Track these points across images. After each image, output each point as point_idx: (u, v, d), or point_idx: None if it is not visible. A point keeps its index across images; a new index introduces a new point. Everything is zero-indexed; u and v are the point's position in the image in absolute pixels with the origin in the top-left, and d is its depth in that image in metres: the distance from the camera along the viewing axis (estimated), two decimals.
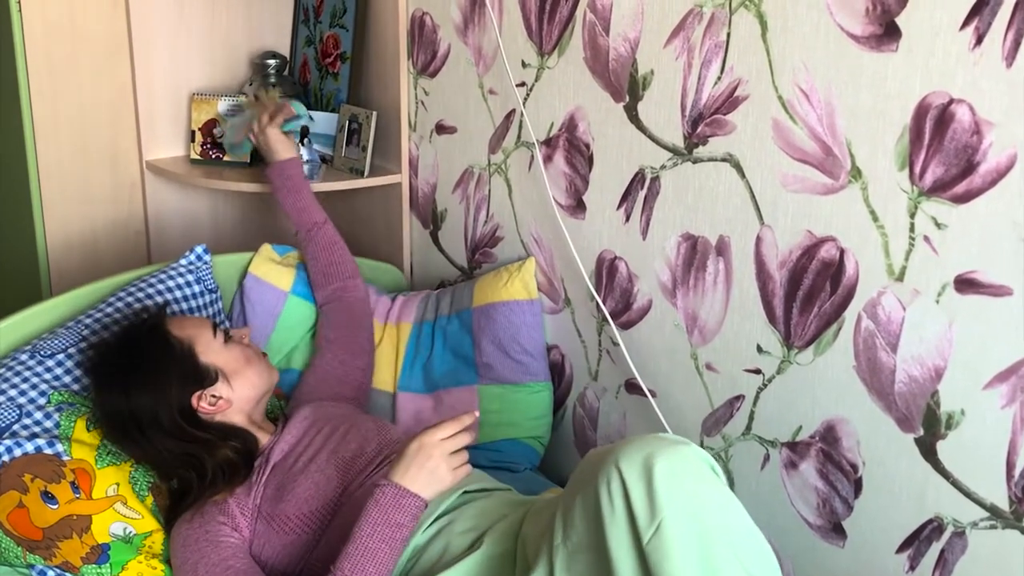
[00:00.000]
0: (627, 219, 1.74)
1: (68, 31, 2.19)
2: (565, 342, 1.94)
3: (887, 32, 1.30)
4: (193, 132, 2.31)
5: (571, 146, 1.82)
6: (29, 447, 1.59)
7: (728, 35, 1.50)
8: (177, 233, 2.42)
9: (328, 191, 2.17)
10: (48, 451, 1.60)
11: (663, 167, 1.65)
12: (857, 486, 1.46)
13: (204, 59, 2.38)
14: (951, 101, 1.25)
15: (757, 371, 1.57)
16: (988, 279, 1.26)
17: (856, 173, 1.37)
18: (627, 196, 1.73)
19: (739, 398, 1.61)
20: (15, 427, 1.62)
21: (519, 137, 1.94)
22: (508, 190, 2.00)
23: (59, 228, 2.28)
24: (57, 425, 1.64)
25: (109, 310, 1.82)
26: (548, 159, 1.87)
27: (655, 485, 1.16)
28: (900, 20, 1.28)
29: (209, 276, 1.97)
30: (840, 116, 1.37)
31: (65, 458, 1.60)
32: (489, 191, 2.05)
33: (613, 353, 1.83)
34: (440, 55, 2.09)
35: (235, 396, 1.63)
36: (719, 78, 1.52)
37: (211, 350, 1.63)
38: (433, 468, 1.39)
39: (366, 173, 2.20)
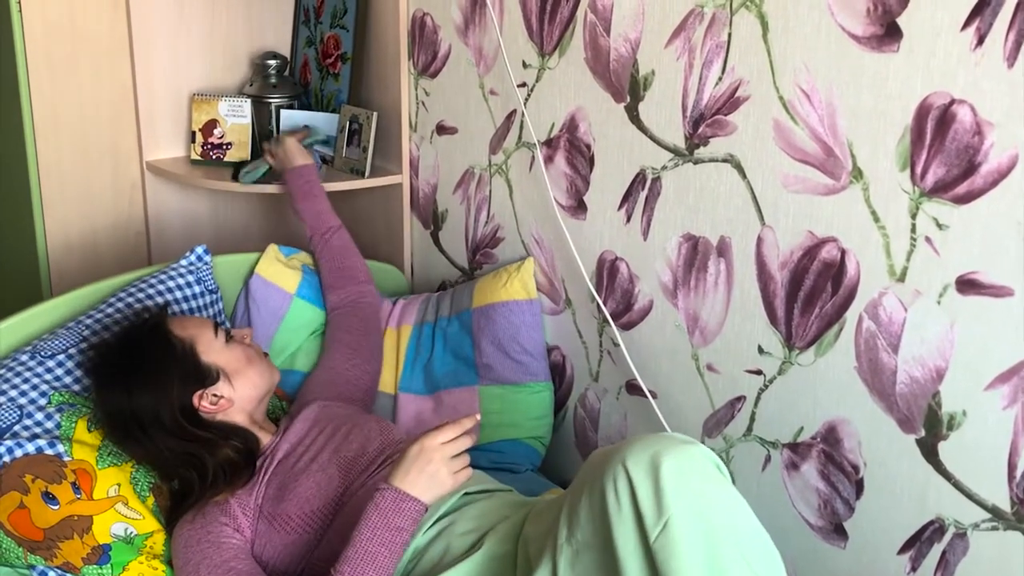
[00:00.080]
0: (628, 220, 1.73)
1: (68, 31, 2.19)
2: (566, 343, 1.94)
3: (888, 32, 1.30)
4: (194, 133, 2.31)
5: (572, 147, 1.82)
6: (30, 448, 1.59)
7: (729, 35, 1.50)
8: (177, 234, 2.42)
9: (329, 192, 2.16)
10: (49, 452, 1.60)
11: (664, 168, 1.65)
12: (858, 487, 1.46)
13: (204, 59, 2.38)
14: (952, 102, 1.25)
15: (758, 372, 1.57)
16: (989, 280, 1.26)
17: (857, 174, 1.37)
18: (628, 197, 1.73)
19: (740, 399, 1.61)
20: (16, 428, 1.62)
21: (520, 138, 1.94)
22: (509, 191, 2.00)
23: (59, 228, 2.27)
24: (58, 426, 1.64)
25: (109, 311, 1.81)
26: (549, 160, 1.87)
27: (662, 484, 1.16)
28: (901, 20, 1.28)
29: (209, 277, 1.97)
30: (841, 117, 1.37)
31: (66, 459, 1.60)
32: (490, 192, 2.05)
33: (614, 354, 1.82)
34: (441, 55, 2.09)
35: (236, 395, 1.63)
36: (720, 78, 1.52)
37: (212, 350, 1.63)
38: (434, 472, 1.39)
39: (367, 174, 2.20)
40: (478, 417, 1.45)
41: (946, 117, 1.25)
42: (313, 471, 1.58)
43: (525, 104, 1.90)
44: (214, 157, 2.32)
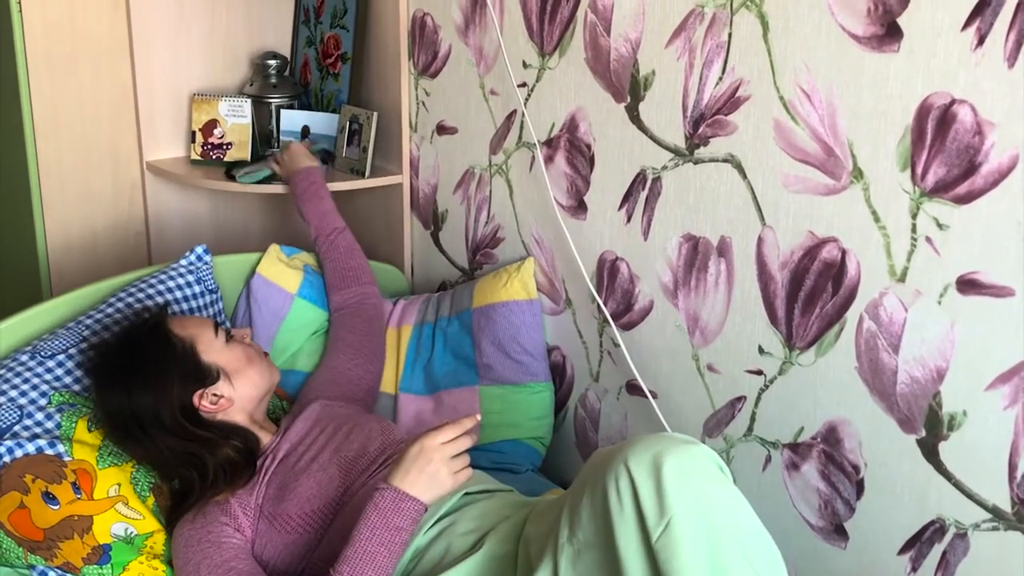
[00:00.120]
0: (628, 220, 1.73)
1: (68, 31, 2.19)
2: (566, 343, 1.93)
3: (889, 32, 1.30)
4: (194, 133, 2.31)
5: (572, 147, 1.82)
6: (30, 448, 1.59)
7: (729, 35, 1.49)
8: (177, 234, 2.42)
9: (329, 192, 2.16)
10: (49, 452, 1.60)
11: (664, 168, 1.65)
12: (859, 487, 1.46)
13: (204, 59, 2.38)
14: (953, 102, 1.24)
15: (759, 372, 1.57)
16: (990, 280, 1.25)
17: (858, 174, 1.37)
18: (628, 197, 1.73)
19: (740, 399, 1.61)
20: (16, 428, 1.62)
21: (520, 138, 1.94)
22: (509, 191, 1.99)
23: (59, 229, 2.27)
24: (58, 426, 1.64)
25: (109, 311, 1.81)
26: (549, 160, 1.87)
27: (664, 483, 1.16)
28: (902, 20, 1.28)
29: (209, 276, 1.97)
30: (842, 117, 1.37)
31: (66, 459, 1.60)
32: (490, 192, 2.05)
33: (614, 354, 1.82)
34: (441, 56, 2.09)
35: (236, 395, 1.63)
36: (720, 78, 1.52)
37: (213, 349, 1.63)
38: (433, 472, 1.39)
39: (367, 174, 2.20)
40: (478, 417, 1.45)
41: (947, 117, 1.25)
42: (314, 471, 1.58)
43: (525, 104, 1.90)
44: (214, 157, 2.32)
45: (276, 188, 2.17)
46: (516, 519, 1.46)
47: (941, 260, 1.30)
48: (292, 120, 2.32)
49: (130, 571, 1.57)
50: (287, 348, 1.99)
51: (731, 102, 1.51)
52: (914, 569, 1.40)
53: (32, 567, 1.56)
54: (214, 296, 1.96)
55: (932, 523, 1.37)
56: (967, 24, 1.21)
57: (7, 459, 1.57)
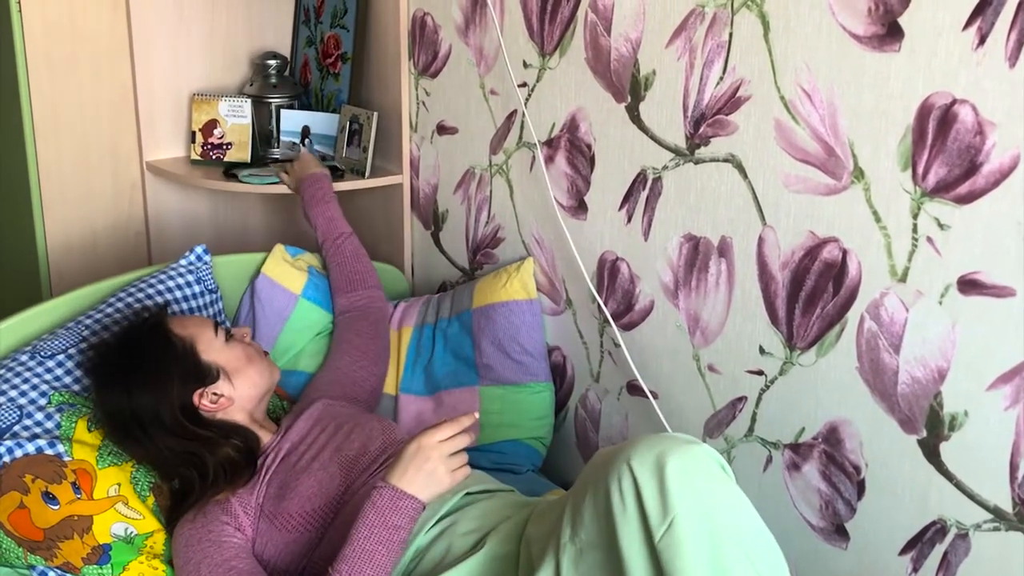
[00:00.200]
0: (629, 220, 1.73)
1: (68, 31, 2.18)
2: (567, 343, 1.93)
3: (890, 32, 1.29)
4: (193, 133, 2.31)
5: (573, 147, 1.81)
6: (30, 448, 1.59)
7: (730, 35, 1.49)
8: (177, 234, 2.42)
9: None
10: (49, 452, 1.60)
11: (665, 168, 1.65)
12: (860, 488, 1.46)
13: (204, 59, 2.38)
14: (954, 101, 1.24)
15: (759, 372, 1.56)
16: (991, 280, 1.25)
17: (859, 174, 1.37)
18: (629, 197, 1.73)
19: (741, 399, 1.60)
20: (16, 428, 1.61)
21: (520, 138, 1.94)
22: (509, 191, 1.99)
23: (59, 229, 2.27)
24: (58, 426, 1.64)
25: (109, 311, 1.81)
26: (549, 160, 1.87)
27: (667, 483, 1.16)
28: (903, 20, 1.28)
29: (209, 276, 1.97)
30: (842, 116, 1.37)
31: (66, 459, 1.60)
32: (490, 192, 2.05)
33: (615, 354, 1.82)
34: (441, 55, 2.09)
35: (236, 394, 1.63)
36: (721, 78, 1.52)
37: (212, 348, 1.63)
38: (431, 470, 1.39)
39: (367, 174, 2.20)
40: (476, 415, 1.45)
41: (948, 117, 1.25)
42: (315, 470, 1.58)
43: (526, 104, 1.90)
44: (214, 157, 2.31)
45: (276, 188, 2.17)
46: (517, 519, 1.46)
47: (942, 260, 1.30)
48: (292, 120, 2.32)
49: (130, 571, 1.57)
50: (290, 348, 1.99)
51: (732, 102, 1.51)
52: (915, 570, 1.40)
53: (32, 567, 1.55)
54: (214, 296, 1.96)
55: (933, 523, 1.37)
56: (968, 24, 1.21)
57: (7, 459, 1.57)
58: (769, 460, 1.58)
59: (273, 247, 2.05)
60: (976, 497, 1.32)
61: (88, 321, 1.79)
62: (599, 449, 1.88)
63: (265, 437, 1.66)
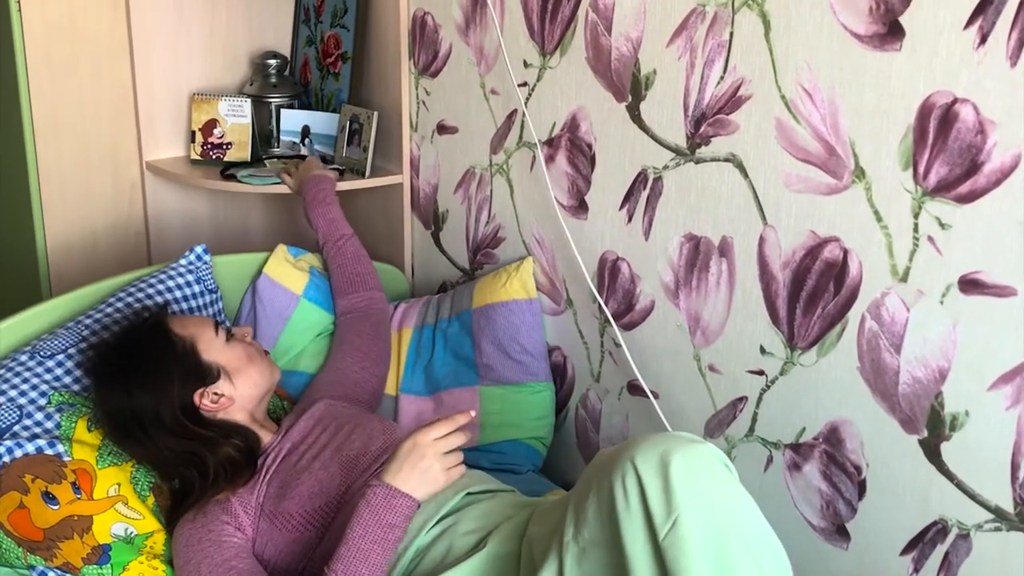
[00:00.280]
0: (629, 219, 1.73)
1: (68, 31, 2.18)
2: (567, 343, 1.93)
3: (891, 31, 1.29)
4: (193, 132, 2.31)
5: (573, 146, 1.81)
6: (30, 448, 1.59)
7: (731, 34, 1.49)
8: (177, 233, 2.42)
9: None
10: (49, 452, 1.60)
11: (666, 167, 1.65)
12: (861, 488, 1.45)
13: (204, 59, 2.38)
14: (955, 101, 1.24)
15: (760, 372, 1.56)
16: (992, 280, 1.25)
17: (860, 173, 1.36)
18: (629, 196, 1.72)
19: (742, 399, 1.60)
20: (16, 428, 1.61)
21: (521, 137, 1.94)
22: (510, 190, 1.99)
23: (59, 229, 2.27)
24: (58, 426, 1.64)
25: (109, 310, 1.81)
26: (550, 159, 1.87)
27: (672, 482, 1.17)
28: (904, 19, 1.27)
29: (209, 276, 1.96)
30: (843, 116, 1.36)
31: (66, 458, 1.60)
32: (491, 191, 2.05)
33: (615, 354, 1.82)
34: (441, 55, 2.09)
35: (237, 394, 1.63)
36: (722, 78, 1.52)
37: (213, 348, 1.63)
38: (426, 468, 1.39)
39: (367, 174, 2.20)
40: (472, 414, 1.45)
41: (949, 116, 1.25)
42: (315, 469, 1.58)
43: (526, 104, 1.89)
44: (214, 157, 2.31)
45: (276, 188, 2.16)
46: (519, 519, 1.45)
47: (943, 260, 1.29)
48: (292, 120, 2.32)
49: (130, 571, 1.57)
50: (291, 349, 1.98)
51: (732, 101, 1.51)
52: (916, 570, 1.40)
53: (32, 567, 1.55)
54: (214, 296, 1.96)
55: (934, 524, 1.37)
56: (969, 23, 1.21)
57: (7, 459, 1.57)
58: (770, 460, 1.58)
59: (273, 247, 2.05)
60: (977, 497, 1.32)
61: (88, 321, 1.79)
62: (600, 449, 1.89)
63: (266, 437, 1.66)
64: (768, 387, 1.56)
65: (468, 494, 1.53)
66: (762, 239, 1.51)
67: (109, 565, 1.56)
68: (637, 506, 1.19)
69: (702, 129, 1.57)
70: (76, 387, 1.71)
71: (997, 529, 1.30)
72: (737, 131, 1.51)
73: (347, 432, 1.64)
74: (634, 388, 1.79)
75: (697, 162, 1.59)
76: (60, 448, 1.60)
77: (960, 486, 1.33)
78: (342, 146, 2.23)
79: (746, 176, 1.52)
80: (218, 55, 2.40)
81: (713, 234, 1.59)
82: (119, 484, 1.61)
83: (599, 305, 1.82)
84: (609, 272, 1.79)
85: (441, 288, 2.24)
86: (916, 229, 1.32)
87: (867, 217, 1.37)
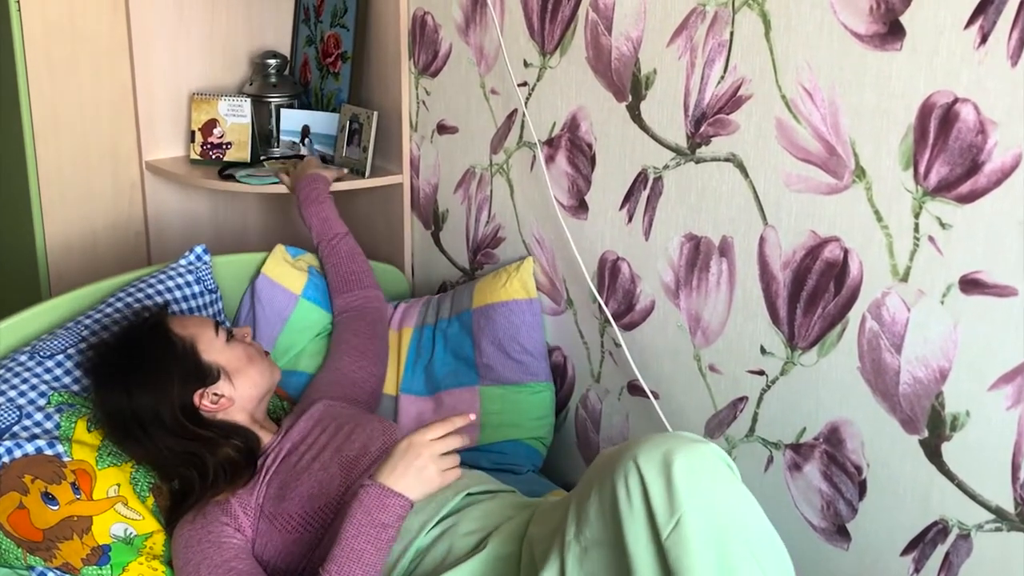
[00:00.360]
0: (630, 219, 1.73)
1: (68, 31, 2.18)
2: (567, 343, 1.93)
3: (891, 31, 1.29)
4: (193, 132, 2.31)
5: (573, 146, 1.81)
6: (29, 448, 1.59)
7: (731, 34, 1.49)
8: (177, 233, 2.42)
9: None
10: (48, 452, 1.59)
11: (666, 167, 1.65)
12: (861, 488, 1.45)
13: (204, 59, 2.38)
14: (956, 100, 1.24)
15: (761, 372, 1.56)
16: (993, 279, 1.25)
17: (860, 173, 1.36)
18: (630, 196, 1.72)
19: (742, 400, 1.60)
20: (15, 428, 1.61)
21: (521, 137, 1.93)
22: (510, 190, 1.99)
23: (58, 229, 2.27)
24: (57, 426, 1.64)
25: (109, 311, 1.81)
26: (550, 159, 1.87)
27: (674, 481, 1.17)
28: (904, 19, 1.27)
29: (209, 276, 1.96)
30: (844, 115, 1.36)
31: (66, 459, 1.60)
32: (491, 191, 2.04)
33: (615, 354, 1.82)
34: (441, 55, 2.09)
35: (237, 394, 1.63)
36: (722, 77, 1.52)
37: (213, 348, 1.63)
38: (421, 468, 1.39)
39: (367, 173, 2.20)
40: (472, 417, 1.45)
41: (949, 116, 1.25)
42: (315, 470, 1.58)
43: (526, 103, 1.89)
44: (214, 157, 2.31)
45: (274, 188, 2.16)
46: (520, 520, 1.45)
47: (944, 260, 1.29)
48: (292, 119, 2.32)
49: (130, 572, 1.57)
50: (290, 349, 1.98)
51: (733, 101, 1.51)
52: (917, 570, 1.40)
53: (31, 568, 1.55)
54: (214, 296, 1.96)
55: (935, 524, 1.37)
56: (970, 22, 1.21)
57: (6, 459, 1.57)
58: (770, 460, 1.58)
59: (273, 247, 2.05)
60: (978, 497, 1.31)
61: (88, 321, 1.79)
62: (600, 449, 1.89)
63: (265, 437, 1.66)
64: (768, 387, 1.56)
65: (468, 495, 1.53)
66: (762, 239, 1.51)
67: (109, 566, 1.56)
68: (640, 506, 1.19)
69: (702, 129, 1.56)
70: (76, 387, 1.70)
71: (998, 529, 1.30)
72: (737, 131, 1.51)
73: (347, 433, 1.64)
74: (634, 388, 1.79)
75: (697, 162, 1.59)
76: (60, 448, 1.60)
77: (961, 486, 1.33)
78: (342, 146, 2.23)
79: (746, 176, 1.52)
80: (218, 55, 2.39)
81: (713, 234, 1.59)
82: (119, 485, 1.61)
83: (599, 305, 1.82)
84: (609, 272, 1.79)
85: (441, 288, 2.24)
86: (917, 229, 1.31)
87: (868, 217, 1.36)
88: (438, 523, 1.48)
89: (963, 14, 1.21)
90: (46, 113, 2.19)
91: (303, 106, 2.39)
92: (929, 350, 1.33)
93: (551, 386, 1.94)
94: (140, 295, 1.85)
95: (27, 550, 1.54)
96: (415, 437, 1.41)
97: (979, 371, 1.28)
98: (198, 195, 2.42)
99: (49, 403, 1.66)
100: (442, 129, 2.14)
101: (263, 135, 2.36)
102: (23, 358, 1.71)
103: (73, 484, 1.58)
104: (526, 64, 1.87)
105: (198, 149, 2.31)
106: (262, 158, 2.33)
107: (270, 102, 2.35)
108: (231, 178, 2.20)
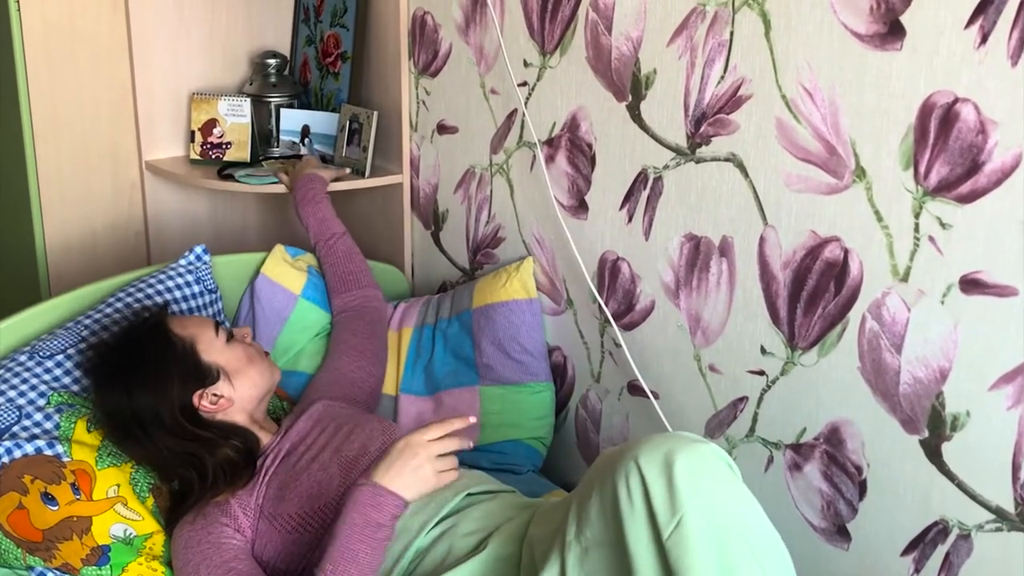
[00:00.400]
0: (630, 219, 1.73)
1: (67, 31, 2.18)
2: (567, 343, 1.93)
3: (891, 31, 1.29)
4: (193, 132, 2.31)
5: (573, 146, 1.81)
6: (29, 448, 1.59)
7: (731, 34, 1.49)
8: (176, 233, 2.42)
9: (329, 191, 2.16)
10: (48, 452, 1.59)
11: (666, 167, 1.64)
12: (861, 488, 1.45)
13: (204, 59, 2.37)
14: (956, 100, 1.24)
15: (761, 372, 1.56)
16: (993, 279, 1.25)
17: (860, 173, 1.36)
18: (630, 196, 1.72)
19: (743, 400, 1.60)
20: (15, 428, 1.61)
21: (521, 137, 1.93)
22: (510, 190, 1.99)
23: (58, 229, 2.27)
24: (57, 426, 1.63)
25: (108, 311, 1.81)
26: (550, 159, 1.86)
27: (676, 481, 1.17)
28: (904, 19, 1.27)
29: (209, 276, 1.96)
30: (844, 115, 1.36)
31: (65, 459, 1.60)
32: (491, 191, 2.04)
33: (615, 355, 1.82)
34: (441, 55, 2.09)
35: (236, 395, 1.63)
36: (722, 77, 1.51)
37: (213, 349, 1.62)
38: (416, 467, 1.39)
39: (367, 173, 2.19)
40: (472, 419, 1.45)
41: (950, 116, 1.25)
42: (314, 470, 1.58)
43: (526, 103, 1.89)
44: (213, 157, 2.31)
45: (274, 188, 2.16)
46: (520, 520, 1.45)
47: (944, 260, 1.29)
48: (292, 119, 2.32)
49: (129, 572, 1.56)
50: (290, 349, 1.98)
51: (733, 101, 1.51)
52: (917, 570, 1.40)
53: (31, 568, 1.55)
54: (213, 296, 1.96)
55: (935, 524, 1.37)
56: (970, 22, 1.21)
57: (6, 460, 1.57)
58: (770, 460, 1.58)
59: (272, 247, 2.04)
60: (978, 498, 1.31)
61: (87, 321, 1.79)
62: (600, 449, 1.89)
63: (265, 438, 1.66)
64: (769, 387, 1.55)
65: (468, 495, 1.53)
66: (762, 239, 1.51)
67: (108, 566, 1.56)
68: (641, 506, 1.19)
69: (702, 129, 1.56)
70: (75, 388, 1.70)
71: (998, 529, 1.30)
72: (737, 131, 1.51)
73: (346, 433, 1.64)
74: (634, 388, 1.79)
75: (697, 162, 1.59)
76: (59, 449, 1.60)
77: (961, 486, 1.33)
78: (342, 146, 2.23)
79: (746, 176, 1.51)
80: (218, 55, 2.39)
81: (713, 234, 1.59)
82: (118, 485, 1.61)
83: (599, 305, 1.82)
84: (609, 272, 1.79)
85: (441, 288, 2.24)
86: (917, 229, 1.31)
87: (868, 217, 1.36)
88: (438, 523, 1.48)
89: (963, 14, 1.21)
90: (46, 113, 2.19)
91: (303, 106, 2.38)
92: (929, 350, 1.33)
93: (551, 386, 1.94)
94: (140, 295, 1.85)
95: (27, 550, 1.54)
96: (412, 437, 1.41)
97: (979, 371, 1.28)
98: (198, 195, 2.42)
99: (49, 403, 1.66)
100: (442, 129, 2.14)
101: (263, 135, 2.36)
102: (23, 358, 1.70)
103: (73, 484, 1.58)
104: (526, 64, 1.87)
105: (198, 149, 2.31)
106: (262, 158, 2.33)
107: (270, 102, 2.35)
108: (230, 178, 2.20)
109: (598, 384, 1.88)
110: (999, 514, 1.29)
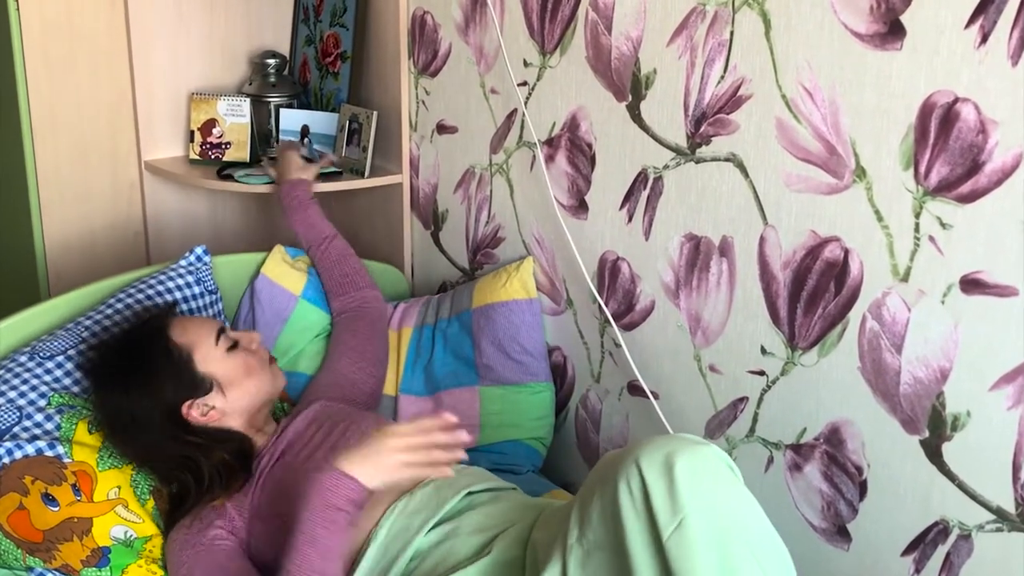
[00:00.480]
0: (630, 219, 1.73)
1: (66, 31, 2.18)
2: (567, 343, 1.93)
3: (892, 30, 1.29)
4: (192, 132, 2.30)
5: (573, 146, 1.81)
6: (30, 449, 1.58)
7: (731, 34, 1.49)
8: (176, 234, 2.41)
9: (328, 192, 2.16)
10: (49, 453, 1.59)
11: (666, 167, 1.64)
12: (862, 488, 1.45)
13: (203, 58, 2.37)
14: (956, 100, 1.24)
15: (761, 373, 1.56)
16: (994, 279, 1.25)
17: (860, 172, 1.36)
18: (630, 196, 1.72)
19: (743, 400, 1.60)
20: (15, 429, 1.61)
21: (521, 137, 1.93)
22: (510, 190, 1.99)
23: (57, 229, 2.27)
24: (58, 427, 1.63)
25: (108, 311, 1.81)
26: (550, 159, 1.86)
27: (676, 483, 1.17)
28: (905, 18, 1.27)
29: (209, 277, 1.96)
30: (844, 115, 1.36)
31: (66, 460, 1.60)
32: (491, 191, 2.04)
33: (615, 355, 1.82)
34: (441, 54, 2.09)
35: (229, 407, 1.61)
36: (722, 77, 1.51)
37: (210, 359, 1.61)
38: (380, 455, 1.36)
39: (366, 173, 2.19)
40: (452, 418, 1.40)
41: (950, 116, 1.25)
42: (309, 469, 1.58)
43: (526, 103, 1.89)
44: (213, 157, 2.31)
45: (273, 188, 2.16)
46: (524, 524, 1.45)
47: (944, 260, 1.29)
48: (291, 119, 2.31)
49: (129, 574, 1.56)
50: (290, 349, 1.98)
51: (733, 101, 1.50)
52: (917, 571, 1.40)
53: (31, 569, 1.55)
54: (214, 297, 1.95)
55: (936, 524, 1.37)
56: (970, 22, 1.21)
57: (6, 460, 1.57)
58: (770, 461, 1.57)
59: (272, 247, 2.04)
60: (979, 498, 1.31)
61: (88, 322, 1.78)
62: (600, 450, 1.89)
63: (261, 440, 1.66)
64: (769, 387, 1.55)
65: (469, 493, 1.52)
66: (763, 239, 1.51)
67: (108, 568, 1.56)
68: (641, 507, 1.19)
69: (702, 129, 1.56)
70: (76, 389, 1.70)
71: (999, 530, 1.30)
72: (737, 131, 1.51)
73: (341, 431, 1.64)
74: (634, 388, 1.79)
75: (697, 162, 1.58)
76: (60, 450, 1.60)
77: (961, 487, 1.33)
78: (341, 146, 2.23)
79: (746, 176, 1.51)
80: (217, 54, 2.39)
81: (713, 234, 1.59)
82: (119, 487, 1.61)
83: (599, 305, 1.82)
84: (609, 272, 1.79)
85: (441, 288, 2.24)
86: (917, 229, 1.31)
87: (868, 217, 1.36)
88: (438, 524, 1.48)
89: (963, 14, 1.21)
90: (44, 113, 2.19)
91: (302, 106, 2.38)
92: (930, 350, 1.33)
93: (551, 386, 1.93)
94: (140, 296, 1.84)
95: (27, 551, 1.54)
96: (388, 428, 1.39)
97: (980, 371, 1.28)
98: (197, 195, 2.42)
99: (49, 404, 1.66)
100: (442, 129, 2.14)
101: (262, 135, 2.36)
102: (23, 359, 1.70)
103: (74, 486, 1.58)
104: (526, 64, 1.87)
105: (197, 149, 2.31)
106: (261, 158, 2.32)
107: (269, 102, 2.35)
108: (230, 178, 2.20)
109: (598, 384, 1.88)
110: (999, 514, 1.29)
